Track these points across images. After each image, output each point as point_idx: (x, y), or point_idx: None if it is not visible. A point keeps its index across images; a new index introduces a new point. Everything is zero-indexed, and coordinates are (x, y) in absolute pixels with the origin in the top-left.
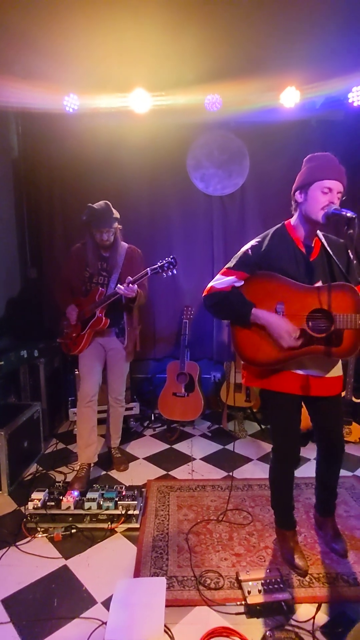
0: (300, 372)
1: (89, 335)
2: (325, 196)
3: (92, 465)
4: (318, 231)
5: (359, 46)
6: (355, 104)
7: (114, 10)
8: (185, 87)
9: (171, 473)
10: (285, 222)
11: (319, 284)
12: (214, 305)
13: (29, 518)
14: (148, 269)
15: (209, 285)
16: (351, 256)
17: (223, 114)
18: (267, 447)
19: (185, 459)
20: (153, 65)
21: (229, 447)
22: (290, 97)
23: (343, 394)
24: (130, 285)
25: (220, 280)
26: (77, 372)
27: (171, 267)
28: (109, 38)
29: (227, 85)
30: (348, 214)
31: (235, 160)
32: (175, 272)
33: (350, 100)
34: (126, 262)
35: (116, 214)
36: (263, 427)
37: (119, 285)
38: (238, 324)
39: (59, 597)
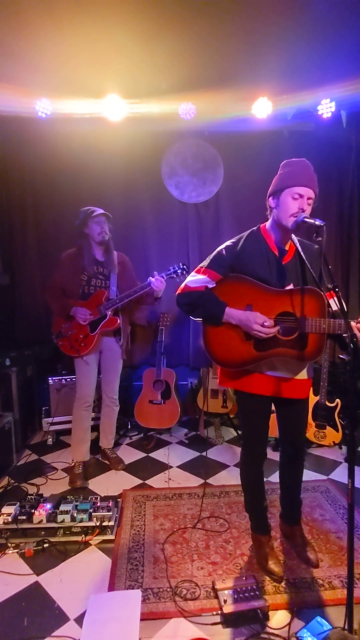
0: (270, 374)
1: (99, 336)
2: (295, 202)
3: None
4: (293, 235)
5: (326, 62)
6: (324, 116)
7: (85, 17)
8: (159, 95)
9: (147, 482)
10: (261, 225)
11: (291, 286)
12: (188, 304)
13: None
14: (163, 273)
15: (183, 283)
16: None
17: (197, 122)
18: None
19: (162, 467)
20: (127, 73)
21: (206, 453)
22: (262, 108)
23: (317, 398)
24: (160, 278)
25: (194, 279)
26: (50, 382)
27: (184, 272)
28: (81, 44)
29: (201, 95)
30: (317, 222)
31: (210, 169)
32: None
33: (319, 112)
34: (119, 266)
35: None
36: (240, 432)
37: (150, 278)
38: (210, 323)
39: (29, 615)
